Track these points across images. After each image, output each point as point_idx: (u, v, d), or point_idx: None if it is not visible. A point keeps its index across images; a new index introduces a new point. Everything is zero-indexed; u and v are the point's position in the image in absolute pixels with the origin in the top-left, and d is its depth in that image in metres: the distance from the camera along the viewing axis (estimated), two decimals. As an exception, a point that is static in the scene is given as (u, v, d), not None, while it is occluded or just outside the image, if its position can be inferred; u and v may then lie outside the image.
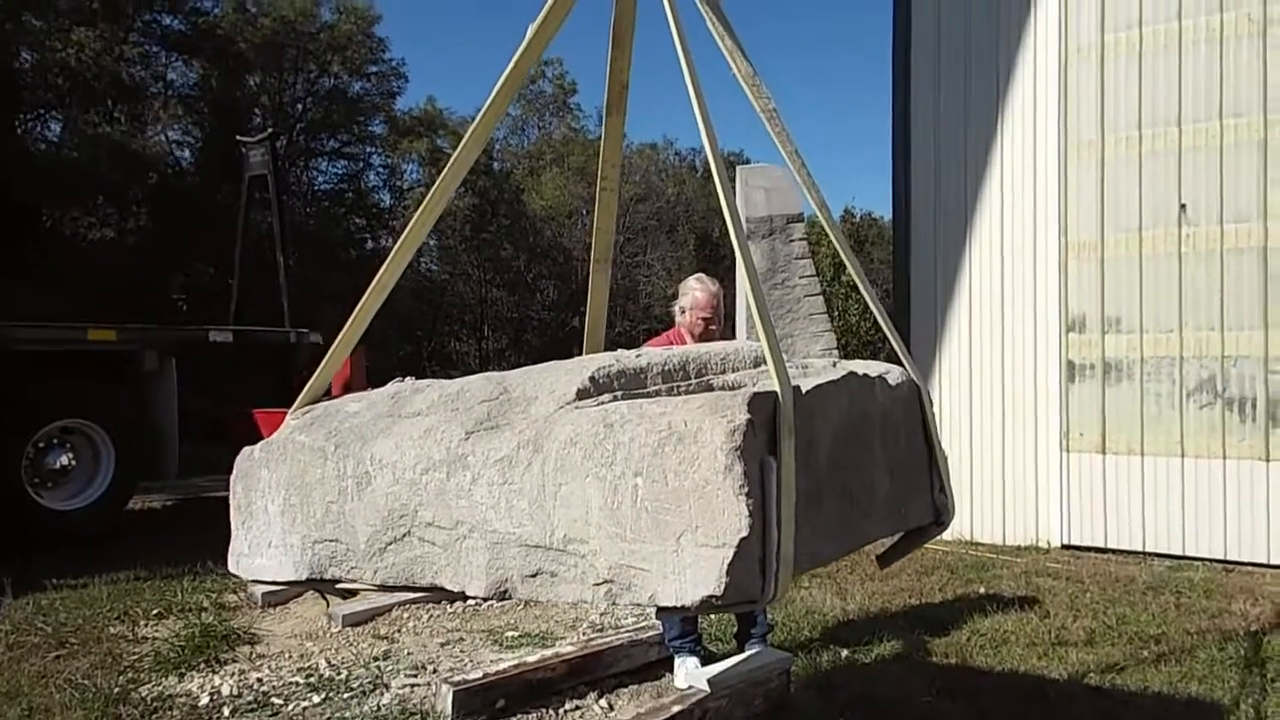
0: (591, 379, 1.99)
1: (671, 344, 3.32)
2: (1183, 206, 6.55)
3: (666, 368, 2.14)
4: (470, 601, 4.99)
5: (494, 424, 1.95)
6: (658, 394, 2.02)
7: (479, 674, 3.60)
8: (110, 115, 17.14)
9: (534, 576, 1.83)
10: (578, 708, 3.64)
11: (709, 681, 3.53)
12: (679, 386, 2.11)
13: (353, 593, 4.80)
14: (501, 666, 3.68)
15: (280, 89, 20.35)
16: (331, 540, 2.07)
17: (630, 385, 2.04)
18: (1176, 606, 5.11)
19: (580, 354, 2.69)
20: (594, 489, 1.76)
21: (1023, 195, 7.14)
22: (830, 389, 2.05)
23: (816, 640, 4.52)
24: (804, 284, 8.99)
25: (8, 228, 13.31)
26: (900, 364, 2.52)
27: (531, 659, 3.77)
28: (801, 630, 4.68)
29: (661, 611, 1.80)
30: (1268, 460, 6.17)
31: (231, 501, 2.26)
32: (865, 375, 2.27)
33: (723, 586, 1.63)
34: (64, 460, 6.74)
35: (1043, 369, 6.98)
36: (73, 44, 15.36)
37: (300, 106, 20.89)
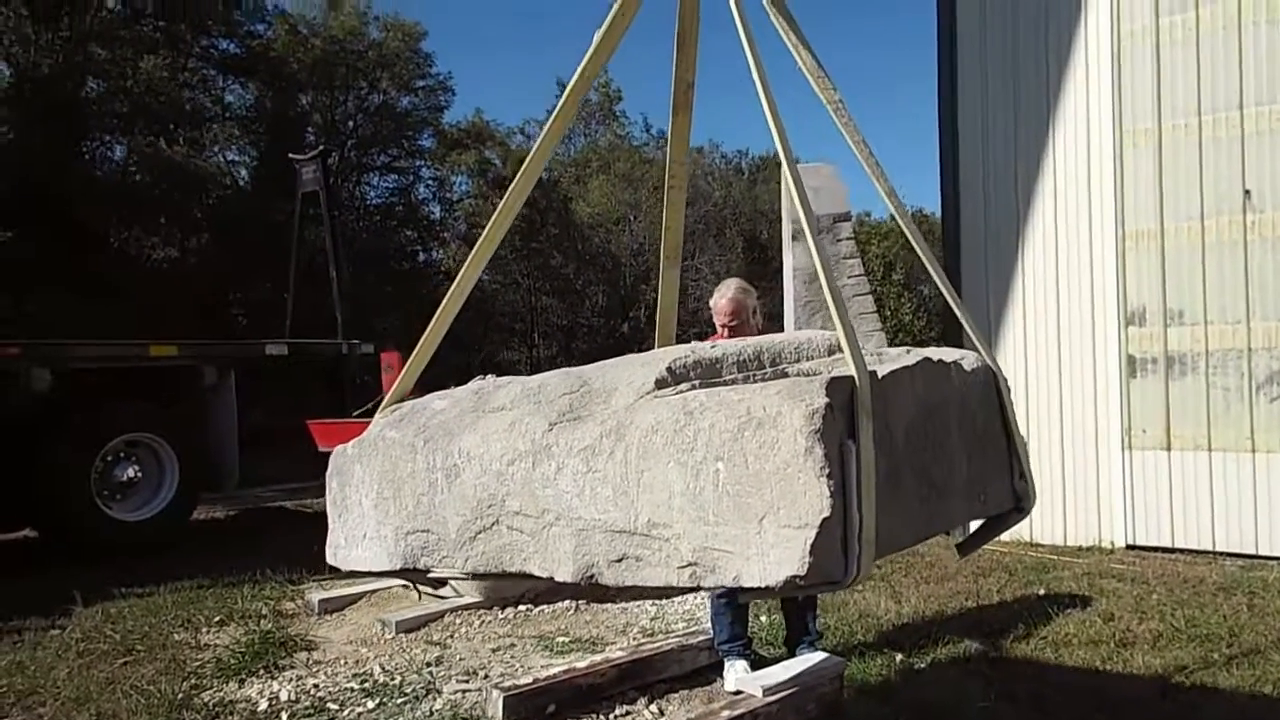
0: (669, 369, 2.04)
1: None
2: (1247, 193, 6.31)
3: (741, 358, 2.17)
4: (520, 606, 5.02)
5: (576, 415, 2.01)
6: (734, 383, 2.05)
7: (529, 679, 3.61)
8: (171, 138, 17.71)
9: (619, 561, 1.87)
10: (628, 713, 3.63)
11: (760, 686, 3.49)
12: (754, 375, 2.14)
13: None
14: (552, 672, 3.69)
15: (332, 106, 20.81)
16: (423, 531, 2.14)
17: (706, 375, 2.08)
18: (1249, 608, 4.90)
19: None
20: (676, 474, 1.81)
21: (1076, 186, 6.96)
22: (905, 374, 2.08)
23: (870, 644, 4.44)
24: (853, 283, 8.87)
25: (76, 250, 13.84)
26: (975, 350, 2.50)
27: (581, 664, 3.77)
28: (855, 634, 4.60)
29: (744, 593, 1.80)
30: (1345, 454, 5.90)
31: (327, 497, 2.36)
32: (940, 360, 2.28)
33: (806, 566, 1.66)
34: (131, 473, 6.97)
35: (1102, 364, 6.78)
36: (141, 72, 15.93)
37: (351, 123, 21.34)
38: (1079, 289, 6.92)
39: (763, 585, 1.71)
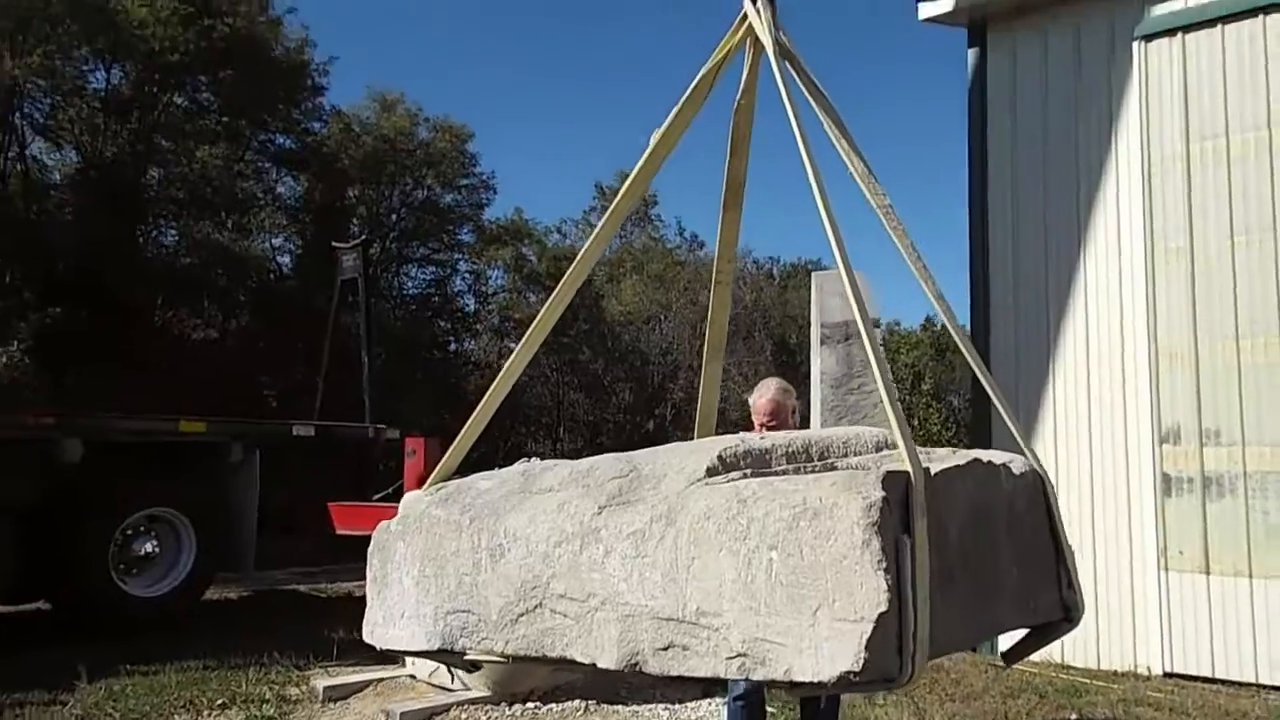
0: (719, 458, 2.04)
1: None
2: (1282, 314, 6.26)
3: (790, 449, 2.17)
4: (529, 704, 4.87)
5: (625, 500, 2.00)
6: (784, 474, 2.04)
7: (532, 781, 3.47)
8: (222, 224, 18.39)
9: (665, 650, 1.83)
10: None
11: (773, 802, 3.33)
12: (804, 468, 2.13)
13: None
14: (555, 774, 3.54)
15: (377, 200, 21.55)
16: (464, 611, 2.12)
17: (756, 465, 2.08)
18: None
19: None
20: (728, 562, 1.78)
21: (1108, 305, 6.95)
22: (957, 473, 2.05)
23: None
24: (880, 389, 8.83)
25: (119, 327, 14.23)
26: (1021, 454, 2.47)
27: (587, 768, 3.62)
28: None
29: (795, 688, 1.74)
30: (1395, 587, 5.65)
31: (368, 574, 2.33)
32: (990, 461, 2.25)
33: (861, 662, 1.62)
34: (149, 547, 6.97)
35: (1135, 482, 6.63)
36: (197, 161, 16.69)
37: (395, 216, 22.05)
38: (1111, 406, 6.83)
39: (815, 680, 1.65)
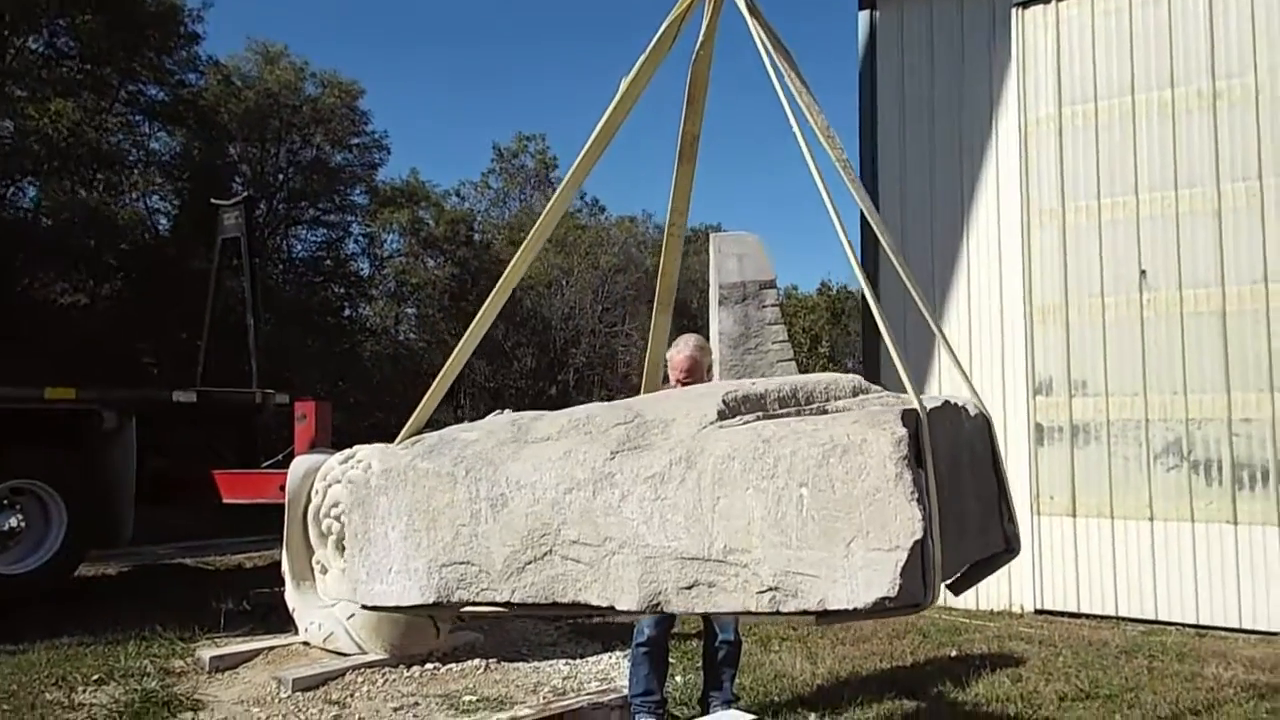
0: (724, 402, 2.08)
1: None
2: (1143, 272, 6.68)
3: (781, 394, 2.24)
4: (428, 665, 4.83)
5: (636, 445, 2.02)
6: (785, 417, 2.09)
7: (429, 737, 3.45)
8: (88, 182, 17.19)
9: (690, 588, 1.88)
10: (533, 773, 3.49)
11: (669, 744, 3.41)
12: (803, 410, 2.18)
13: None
14: (453, 729, 3.53)
15: (262, 159, 20.56)
16: (462, 563, 2.10)
17: (754, 409, 2.12)
18: (1149, 670, 5.02)
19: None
20: (755, 500, 1.83)
21: (988, 264, 7.27)
22: (937, 414, 2.14)
23: (786, 705, 4.38)
24: (777, 349, 9.00)
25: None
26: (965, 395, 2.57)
27: (486, 722, 3.62)
28: (770, 694, 4.55)
29: (826, 617, 1.80)
30: (1235, 524, 6.16)
31: (347, 530, 2.29)
32: (955, 404, 2.36)
33: (896, 588, 1.70)
34: (13, 522, 6.54)
35: (1012, 431, 7.00)
36: (49, 113, 15.46)
37: (281, 176, 21.09)
38: (991, 360, 7.17)
39: (850, 607, 1.73)
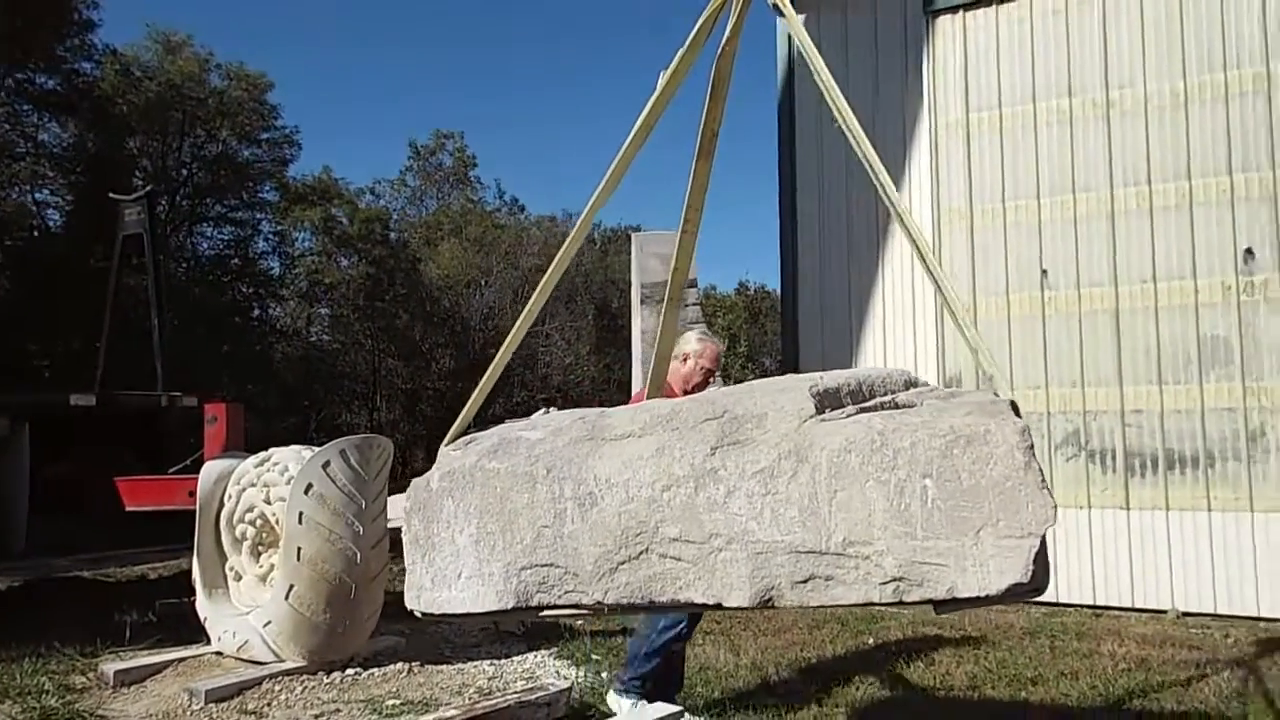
0: (815, 395, 2.09)
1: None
2: (1044, 272, 7.01)
3: (850, 388, 2.23)
4: (350, 670, 4.72)
5: (736, 440, 1.99)
6: (874, 410, 2.09)
7: (353, 742, 3.38)
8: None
9: (805, 582, 1.87)
10: (460, 775, 3.45)
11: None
12: (869, 405, 2.18)
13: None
14: (378, 733, 3.47)
15: (163, 152, 19.73)
16: (546, 565, 2.06)
17: (830, 403, 2.12)
18: (1051, 650, 5.28)
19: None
20: (876, 492, 1.84)
21: (902, 262, 7.51)
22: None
23: (713, 696, 4.45)
24: (697, 348, 9.11)
25: None
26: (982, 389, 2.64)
27: (411, 724, 3.57)
28: (695, 686, 4.60)
29: (948, 604, 1.82)
30: (1127, 509, 6.52)
31: (406, 536, 2.20)
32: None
33: (1030, 574, 1.73)
34: (-109, 536, 6.13)
35: (923, 426, 7.24)
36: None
37: (185, 170, 20.28)
38: (905, 355, 7.41)
39: (981, 595, 1.77)
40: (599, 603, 2.02)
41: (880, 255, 7.60)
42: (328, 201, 22.93)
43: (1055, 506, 1.76)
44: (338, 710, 4.18)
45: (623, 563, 2.00)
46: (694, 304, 9.29)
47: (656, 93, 2.55)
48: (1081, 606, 6.43)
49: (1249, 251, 6.40)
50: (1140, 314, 6.64)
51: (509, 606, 2.08)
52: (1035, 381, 6.89)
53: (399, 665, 4.83)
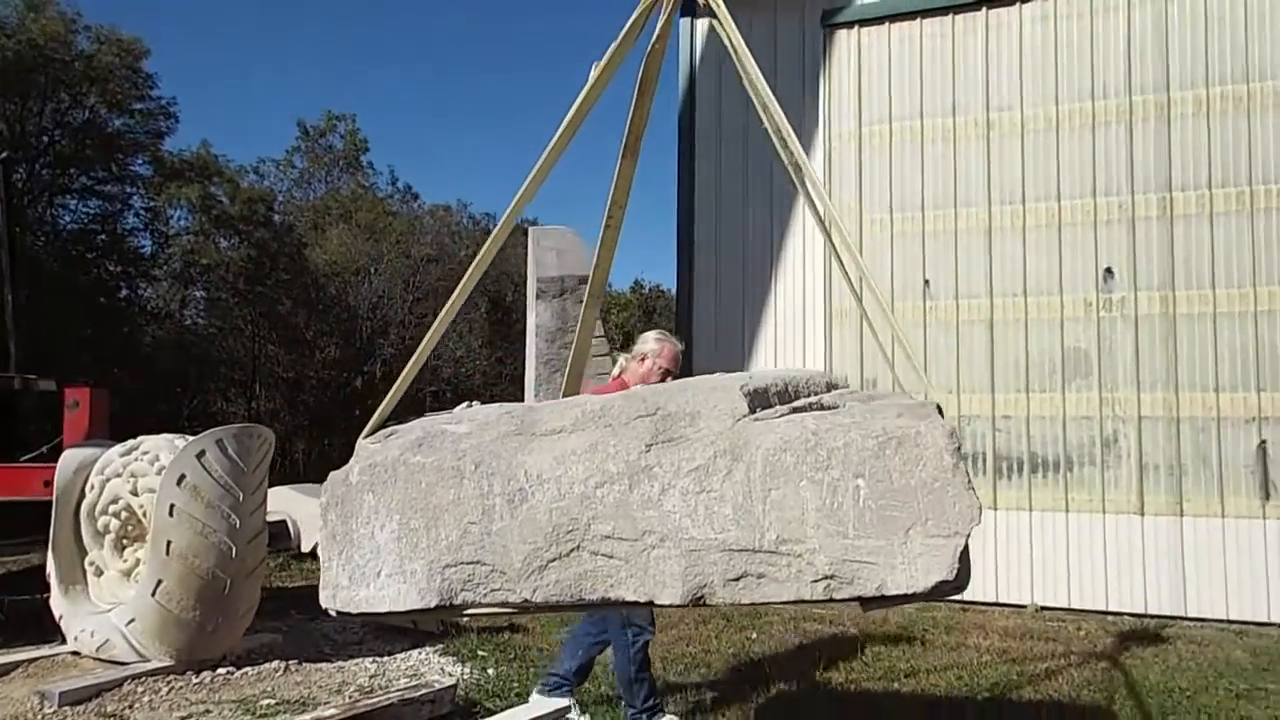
0: (747, 395, 2.10)
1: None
2: (926, 282, 7.33)
3: (777, 389, 2.26)
4: (222, 669, 4.51)
5: (670, 437, 1.99)
6: (802, 411, 2.12)
7: (224, 745, 3.23)
8: None
9: (737, 580, 1.89)
10: (338, 776, 3.35)
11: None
12: (800, 406, 2.20)
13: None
14: (251, 735, 3.32)
15: (22, 116, 18.31)
16: (471, 563, 2.01)
17: (760, 403, 2.13)
18: (923, 644, 5.53)
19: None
20: (810, 492, 1.88)
21: (794, 267, 7.72)
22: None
23: (600, 692, 4.46)
24: (594, 344, 9.11)
25: None
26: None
27: (287, 725, 3.44)
28: (587, 683, 4.60)
29: (871, 603, 1.86)
30: (995, 509, 6.90)
31: (322, 531, 2.11)
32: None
33: (955, 572, 1.80)
34: None
35: (810, 427, 7.46)
36: None
37: (46, 138, 18.88)
38: (795, 357, 7.62)
39: (908, 592, 1.82)
40: (527, 601, 1.99)
41: (773, 258, 7.79)
42: (206, 179, 21.76)
43: (980, 507, 1.84)
44: (207, 711, 3.98)
45: (553, 560, 1.98)
46: (591, 300, 9.30)
47: (588, 85, 2.56)
48: (950, 602, 6.76)
49: (1109, 271, 6.88)
50: (1012, 326, 7.04)
51: (432, 605, 2.03)
52: (916, 388, 7.19)
53: (275, 664, 4.64)
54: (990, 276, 7.15)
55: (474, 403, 2.44)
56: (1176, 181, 6.78)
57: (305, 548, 9.18)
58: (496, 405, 2.34)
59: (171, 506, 4.36)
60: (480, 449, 2.09)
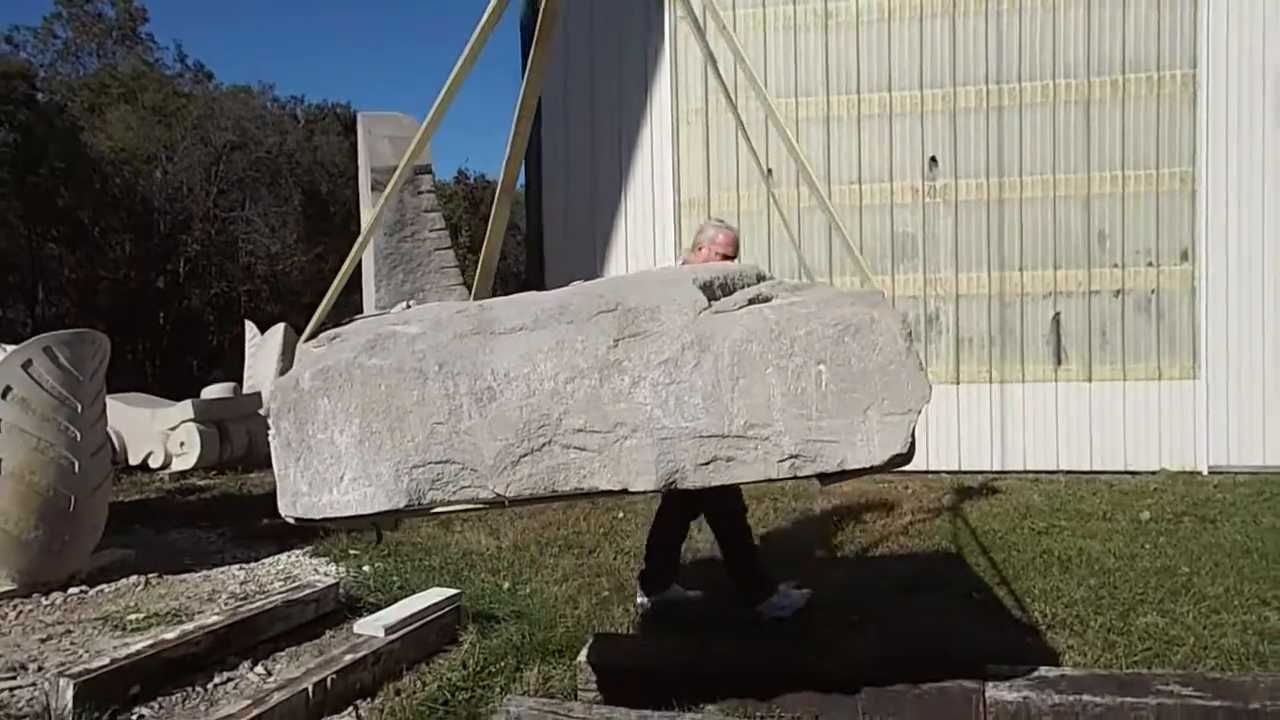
0: (703, 288, 2.19)
1: None
2: (769, 171, 7.57)
3: (720, 282, 2.33)
4: (74, 589, 4.24)
5: (635, 332, 2.04)
6: (753, 303, 2.20)
7: (105, 660, 3.08)
8: None
9: (708, 464, 1.99)
10: (229, 679, 3.29)
11: (381, 627, 3.42)
12: (753, 297, 2.25)
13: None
14: (135, 648, 3.19)
15: None
16: (440, 462, 2.01)
17: (709, 295, 2.21)
18: (774, 511, 6.01)
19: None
20: (775, 378, 1.99)
21: (643, 165, 7.75)
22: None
23: (479, 577, 4.57)
24: (434, 237, 8.84)
25: None
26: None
27: (170, 635, 3.32)
28: (463, 569, 4.70)
29: (836, 476, 2.01)
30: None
31: (275, 440, 2.04)
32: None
33: (908, 445, 1.97)
34: None
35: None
36: None
37: None
38: (645, 257, 7.73)
39: (867, 465, 1.97)
40: (500, 495, 2.03)
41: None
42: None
43: (930, 386, 2.03)
44: (68, 630, 3.76)
45: (525, 455, 2.02)
46: (428, 191, 8.93)
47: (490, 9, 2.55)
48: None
49: (933, 159, 7.37)
50: (849, 211, 7.44)
51: (400, 506, 2.03)
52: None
53: (133, 579, 4.41)
54: (828, 163, 7.47)
55: (410, 303, 2.42)
56: (993, 75, 7.28)
57: (134, 460, 8.61)
58: (438, 304, 2.33)
59: (-2, 421, 3.97)
60: (440, 349, 2.08)
